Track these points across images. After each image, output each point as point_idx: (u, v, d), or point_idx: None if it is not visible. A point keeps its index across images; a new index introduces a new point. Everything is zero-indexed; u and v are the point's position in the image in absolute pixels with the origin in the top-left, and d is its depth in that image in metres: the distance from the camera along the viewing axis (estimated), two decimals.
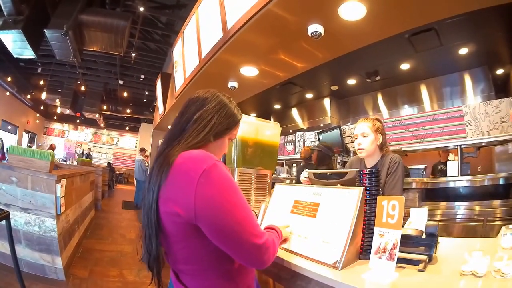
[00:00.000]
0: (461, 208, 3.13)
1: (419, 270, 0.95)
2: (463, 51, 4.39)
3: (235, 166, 1.52)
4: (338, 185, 1.21)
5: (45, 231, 2.69)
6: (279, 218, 1.31)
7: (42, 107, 13.74)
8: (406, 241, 1.01)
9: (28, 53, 6.17)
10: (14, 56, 6.38)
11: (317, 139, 5.28)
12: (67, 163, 9.32)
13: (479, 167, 3.90)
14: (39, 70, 10.14)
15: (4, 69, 9.20)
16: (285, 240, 1.18)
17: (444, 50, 4.33)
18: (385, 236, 0.93)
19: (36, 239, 2.68)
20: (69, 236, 3.21)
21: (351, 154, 4.55)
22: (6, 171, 2.67)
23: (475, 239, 1.37)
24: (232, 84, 4.24)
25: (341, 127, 4.72)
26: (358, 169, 1.19)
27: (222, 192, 0.78)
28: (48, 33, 5.57)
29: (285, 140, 6.40)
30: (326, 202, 1.17)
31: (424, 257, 0.99)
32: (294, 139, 6.23)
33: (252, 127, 1.58)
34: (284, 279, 1.13)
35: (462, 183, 3.32)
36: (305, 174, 1.65)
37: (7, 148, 3.27)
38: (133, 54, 7.77)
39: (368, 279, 0.88)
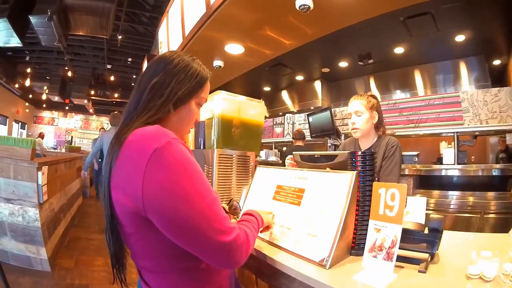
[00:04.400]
0: (456, 198, 3.06)
1: (419, 271, 0.81)
2: (460, 38, 4.32)
3: (215, 147, 1.38)
4: (327, 168, 1.05)
5: (28, 221, 2.61)
6: (260, 206, 1.16)
7: (31, 96, 13.42)
8: (406, 236, 0.87)
9: (14, 41, 6.11)
10: (0, 45, 6.28)
11: (307, 121, 5.14)
12: (57, 150, 9.16)
13: (473, 157, 3.82)
14: (27, 58, 9.93)
15: None
16: (267, 228, 1.03)
17: (440, 36, 4.27)
18: (382, 232, 0.79)
19: (20, 230, 2.62)
20: (53, 225, 3.12)
21: (343, 138, 4.43)
22: None
23: (482, 234, 1.25)
24: (217, 63, 4.10)
25: (332, 109, 4.56)
26: (349, 151, 1.04)
27: (177, 177, 0.63)
28: (33, 19, 5.50)
29: (274, 122, 6.28)
30: (312, 188, 1.02)
31: (426, 255, 0.85)
32: (283, 121, 6.10)
33: (234, 105, 1.43)
34: (266, 275, 1.00)
35: (458, 171, 3.25)
36: (290, 156, 1.51)
37: None
38: (120, 37, 7.55)
39: (360, 281, 0.75)
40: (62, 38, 6.03)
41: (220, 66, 4.14)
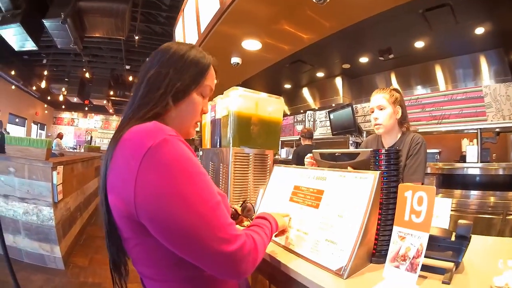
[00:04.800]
0: (478, 198, 2.91)
1: (443, 282, 0.74)
2: (479, 30, 4.18)
3: (231, 145, 1.33)
4: (349, 168, 0.99)
5: (43, 220, 2.66)
6: (276, 207, 1.11)
7: (49, 98, 13.80)
8: (430, 242, 0.78)
9: (30, 45, 6.13)
10: (16, 49, 6.42)
11: (328, 119, 5.04)
12: (76, 150, 9.38)
13: (494, 154, 3.64)
14: (44, 61, 10.09)
15: (8, 64, 9.23)
16: (283, 231, 0.96)
17: (460, 28, 4.16)
18: (407, 240, 0.72)
19: (34, 228, 2.67)
20: (69, 224, 3.18)
21: (364, 135, 4.31)
22: (3, 162, 2.67)
23: (509, 239, 1.15)
24: (235, 60, 4.02)
25: (353, 106, 4.44)
26: (372, 149, 0.96)
27: (172, 179, 0.56)
28: (46, 22, 5.54)
29: (295, 120, 6.20)
30: (331, 189, 0.95)
31: (451, 265, 0.77)
32: (304, 119, 6.02)
33: (251, 101, 1.38)
34: (279, 281, 0.95)
35: (480, 170, 3.09)
36: (309, 155, 1.44)
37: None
38: (136, 38, 7.60)
39: None
40: (77, 40, 6.08)
41: (238, 63, 4.06)
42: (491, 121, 3.26)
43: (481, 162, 3.15)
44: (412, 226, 0.73)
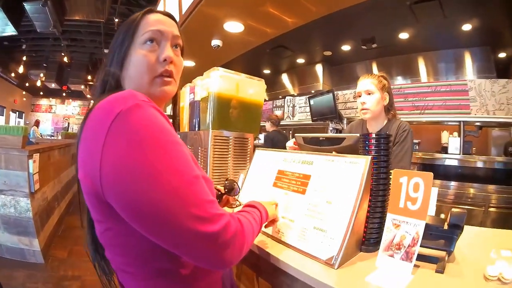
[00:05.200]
0: (460, 189, 2.98)
1: (437, 271, 0.72)
2: (467, 27, 4.21)
3: (210, 128, 1.27)
4: (334, 153, 0.95)
5: (20, 212, 2.55)
6: (259, 193, 1.05)
7: (27, 84, 13.27)
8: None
9: (10, 30, 6.08)
10: None
11: (308, 104, 5.01)
12: (54, 138, 9.05)
13: (474, 148, 3.74)
14: (24, 46, 9.72)
15: None
16: (272, 221, 0.89)
17: (447, 23, 4.16)
18: (402, 228, 0.68)
19: (13, 221, 2.56)
20: (47, 214, 3.05)
21: (345, 122, 4.31)
22: None
23: (498, 230, 1.15)
24: (216, 42, 3.94)
25: (334, 92, 4.43)
26: (359, 134, 0.93)
27: (141, 147, 0.48)
28: (27, 5, 5.44)
29: (274, 105, 6.14)
30: (319, 174, 0.90)
31: (443, 253, 0.76)
32: (283, 104, 5.96)
33: (232, 83, 1.31)
34: (264, 272, 0.90)
35: (462, 162, 3.16)
36: (292, 140, 1.39)
37: None
38: (116, 20, 7.35)
39: (374, 283, 0.64)
40: (57, 23, 5.95)
41: (218, 46, 3.97)
42: (475, 114, 3.31)
43: (463, 154, 3.21)
44: (407, 213, 0.69)
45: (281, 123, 5.86)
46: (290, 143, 1.42)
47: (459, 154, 3.22)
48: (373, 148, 0.86)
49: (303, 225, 0.85)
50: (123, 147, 0.47)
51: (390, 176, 0.88)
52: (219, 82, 1.24)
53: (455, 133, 3.54)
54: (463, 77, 4.91)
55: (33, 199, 2.60)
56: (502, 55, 4.86)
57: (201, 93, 1.41)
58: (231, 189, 0.96)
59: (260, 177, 1.11)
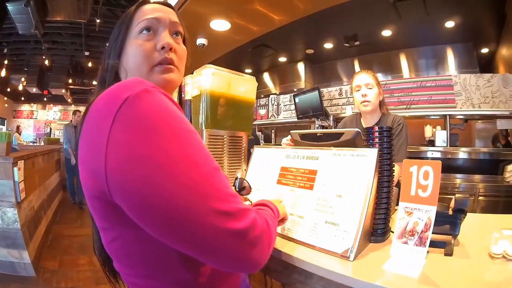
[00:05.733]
0: (447, 180, 3.06)
1: (446, 254, 0.75)
2: (449, 24, 4.30)
3: (204, 127, 1.24)
4: (332, 148, 0.96)
5: (8, 223, 2.43)
6: (264, 192, 1.04)
7: (9, 89, 12.79)
8: None
9: None
10: None
11: (293, 102, 5.03)
12: (36, 144, 8.77)
13: (458, 141, 3.86)
14: (5, 50, 9.40)
15: None
16: (282, 220, 0.83)
17: (430, 20, 4.24)
18: (415, 214, 0.70)
19: (1, 233, 2.43)
20: (34, 224, 2.94)
21: (331, 119, 4.33)
22: None
23: (497, 215, 1.21)
24: (201, 41, 3.91)
25: (320, 89, 4.46)
26: (357, 129, 0.95)
27: (153, 136, 0.41)
28: (10, 6, 5.32)
29: (258, 104, 6.12)
30: (325, 168, 0.90)
31: (449, 237, 0.79)
32: (267, 103, 5.96)
33: (223, 80, 1.29)
34: (274, 271, 0.89)
35: (452, 154, 3.26)
36: (288, 137, 1.40)
37: None
38: (98, 21, 7.26)
39: (391, 270, 0.66)
40: (39, 25, 5.81)
41: (203, 44, 3.94)
42: (460, 108, 3.41)
43: (450, 146, 3.31)
44: (419, 200, 0.71)
45: (265, 122, 5.86)
46: (286, 140, 1.43)
47: (446, 146, 3.31)
48: (377, 141, 0.89)
49: (313, 221, 0.85)
50: (132, 137, 0.40)
51: (394, 168, 0.91)
52: (212, 79, 1.22)
53: (438, 127, 3.63)
54: (444, 72, 5.03)
55: (20, 209, 2.49)
56: (484, 50, 4.99)
57: (192, 92, 1.38)
58: (243, 188, 0.93)
59: (262, 175, 1.10)
